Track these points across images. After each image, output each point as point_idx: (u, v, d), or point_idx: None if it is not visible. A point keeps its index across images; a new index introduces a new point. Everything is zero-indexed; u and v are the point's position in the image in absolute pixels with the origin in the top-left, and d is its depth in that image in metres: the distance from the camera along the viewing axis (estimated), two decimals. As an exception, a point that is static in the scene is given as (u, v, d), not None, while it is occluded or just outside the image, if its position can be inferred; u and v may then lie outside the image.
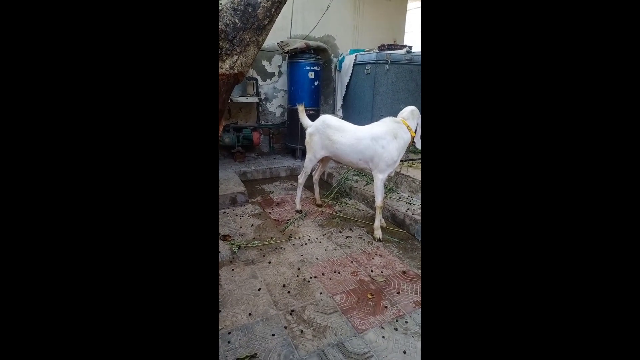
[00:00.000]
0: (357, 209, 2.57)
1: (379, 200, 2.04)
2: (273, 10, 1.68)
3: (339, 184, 2.87)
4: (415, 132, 2.00)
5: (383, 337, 1.26)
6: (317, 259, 1.82)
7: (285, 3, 1.73)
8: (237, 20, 1.58)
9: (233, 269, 1.69)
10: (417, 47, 3.70)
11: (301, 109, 2.33)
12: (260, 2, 1.60)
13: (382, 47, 3.63)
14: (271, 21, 1.71)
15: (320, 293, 1.52)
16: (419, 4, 6.71)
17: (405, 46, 3.49)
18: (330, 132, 2.14)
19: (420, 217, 2.13)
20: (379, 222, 2.07)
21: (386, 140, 1.96)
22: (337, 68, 3.84)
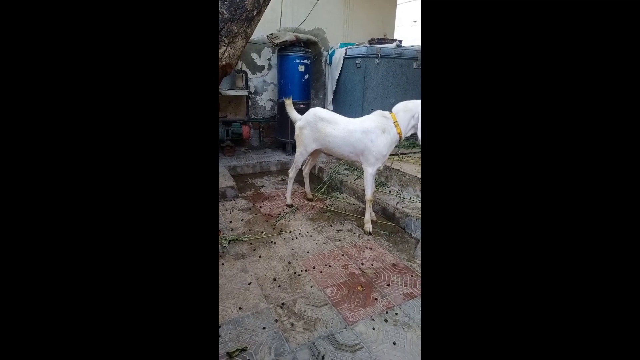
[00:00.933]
0: (348, 202, 2.58)
1: (369, 194, 2.05)
2: (262, 1, 1.66)
3: (330, 178, 2.87)
4: (409, 127, 1.94)
5: (373, 328, 1.27)
6: (308, 252, 1.82)
7: (274, -6, 1.70)
8: (224, 11, 1.55)
9: (223, 264, 1.68)
10: (407, 42, 3.70)
11: (289, 102, 2.31)
12: (249, -7, 1.57)
13: (372, 41, 3.63)
14: (260, 12, 1.69)
15: (311, 286, 1.52)
16: (409, -2, 6.70)
17: (396, 40, 3.49)
18: (322, 125, 2.13)
19: (409, 211, 2.15)
20: (369, 215, 2.08)
21: (375, 134, 1.96)
22: (328, 62, 3.82)
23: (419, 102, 1.91)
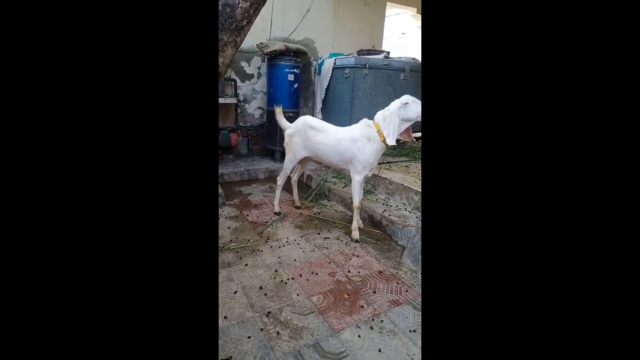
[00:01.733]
0: (336, 210, 2.59)
1: (356, 201, 2.07)
2: (252, 11, 1.68)
3: (318, 186, 2.88)
4: (392, 133, 1.93)
5: (359, 336, 1.28)
6: (295, 260, 1.82)
7: (264, 4, 1.73)
8: (214, 20, 1.57)
9: (209, 272, 1.66)
10: (395, 53, 3.79)
11: (278, 110, 2.33)
12: (239, 3, 1.59)
13: (361, 52, 3.70)
14: (249, 22, 1.71)
15: (298, 294, 1.52)
16: (398, 10, 6.87)
17: (384, 51, 3.57)
18: (312, 133, 2.15)
19: (396, 218, 2.17)
20: (356, 223, 2.10)
21: (362, 142, 1.99)
22: (317, 71, 3.87)
23: (393, 103, 1.93)
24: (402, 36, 8.66)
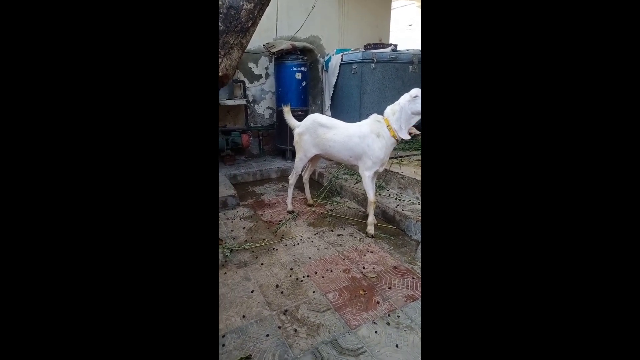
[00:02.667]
0: (348, 207, 2.59)
1: (371, 197, 2.06)
2: (256, 12, 1.69)
3: (330, 183, 2.88)
4: (402, 128, 1.92)
5: (376, 332, 1.28)
6: (310, 258, 1.83)
7: (268, 5, 1.74)
8: (220, 23, 1.59)
9: (225, 272, 1.69)
10: (403, 45, 3.74)
11: (287, 109, 2.34)
12: (243, 5, 1.60)
13: (367, 46, 3.66)
14: (254, 23, 1.72)
15: (313, 292, 1.53)
16: (404, 2, 6.77)
17: (391, 45, 3.52)
18: (322, 131, 2.15)
19: (409, 213, 2.16)
20: (372, 217, 2.09)
21: (371, 138, 1.98)
22: (324, 68, 3.85)
23: (402, 97, 1.91)
24: (409, 28, 8.53)
